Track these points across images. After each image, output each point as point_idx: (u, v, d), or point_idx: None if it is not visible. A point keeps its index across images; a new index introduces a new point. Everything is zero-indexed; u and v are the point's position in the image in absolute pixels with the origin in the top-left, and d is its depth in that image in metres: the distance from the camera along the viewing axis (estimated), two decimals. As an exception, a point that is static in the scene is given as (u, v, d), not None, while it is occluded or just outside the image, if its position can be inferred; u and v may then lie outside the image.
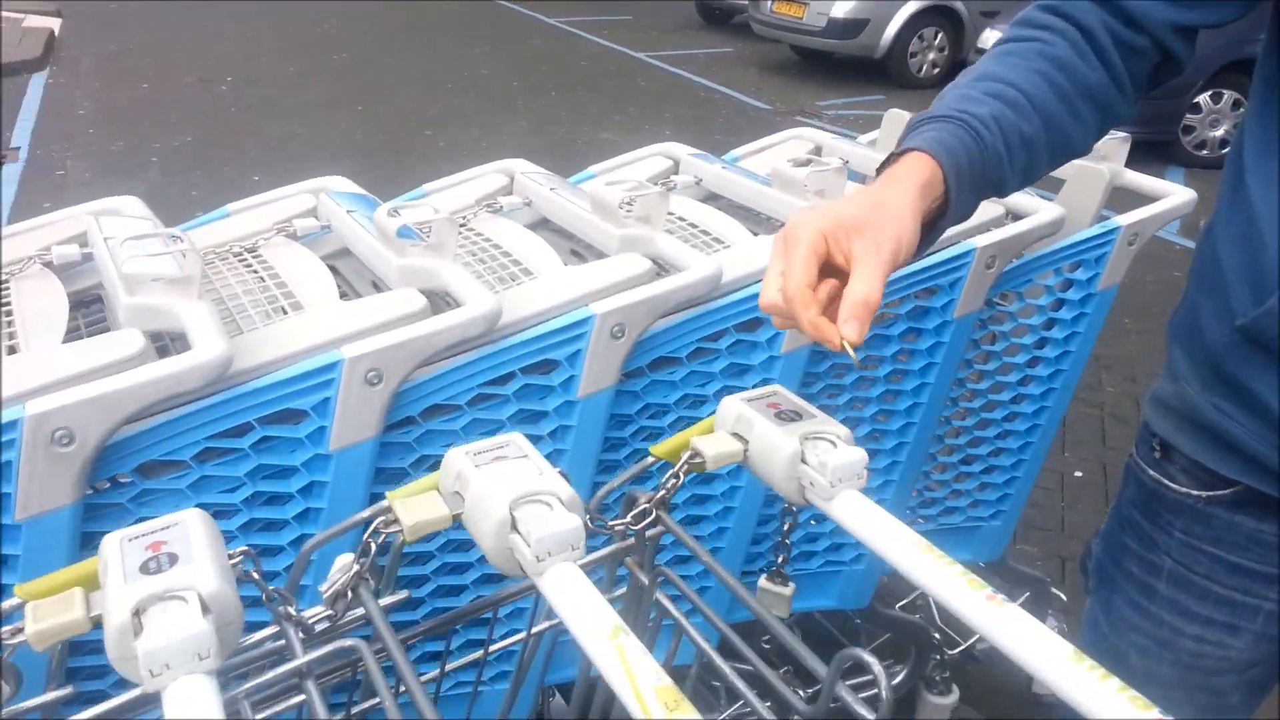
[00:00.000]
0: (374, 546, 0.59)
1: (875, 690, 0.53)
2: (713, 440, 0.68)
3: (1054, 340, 1.43)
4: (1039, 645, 0.52)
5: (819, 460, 0.66)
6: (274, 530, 1.00)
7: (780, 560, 0.73)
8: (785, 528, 0.73)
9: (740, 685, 0.66)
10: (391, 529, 0.59)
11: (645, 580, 0.68)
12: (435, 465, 1.13)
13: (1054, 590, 1.67)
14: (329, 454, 0.98)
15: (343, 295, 1.24)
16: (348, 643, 0.55)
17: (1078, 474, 2.60)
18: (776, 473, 0.67)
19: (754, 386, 1.25)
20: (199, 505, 0.94)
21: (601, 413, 1.09)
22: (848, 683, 0.56)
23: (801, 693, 0.61)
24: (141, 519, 0.91)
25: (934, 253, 1.24)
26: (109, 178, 5.04)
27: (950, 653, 1.58)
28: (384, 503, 0.62)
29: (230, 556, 0.56)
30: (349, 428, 0.97)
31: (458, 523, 0.61)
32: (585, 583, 0.56)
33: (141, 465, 0.90)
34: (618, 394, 1.10)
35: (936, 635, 1.56)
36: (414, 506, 0.60)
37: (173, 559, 0.53)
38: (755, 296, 1.14)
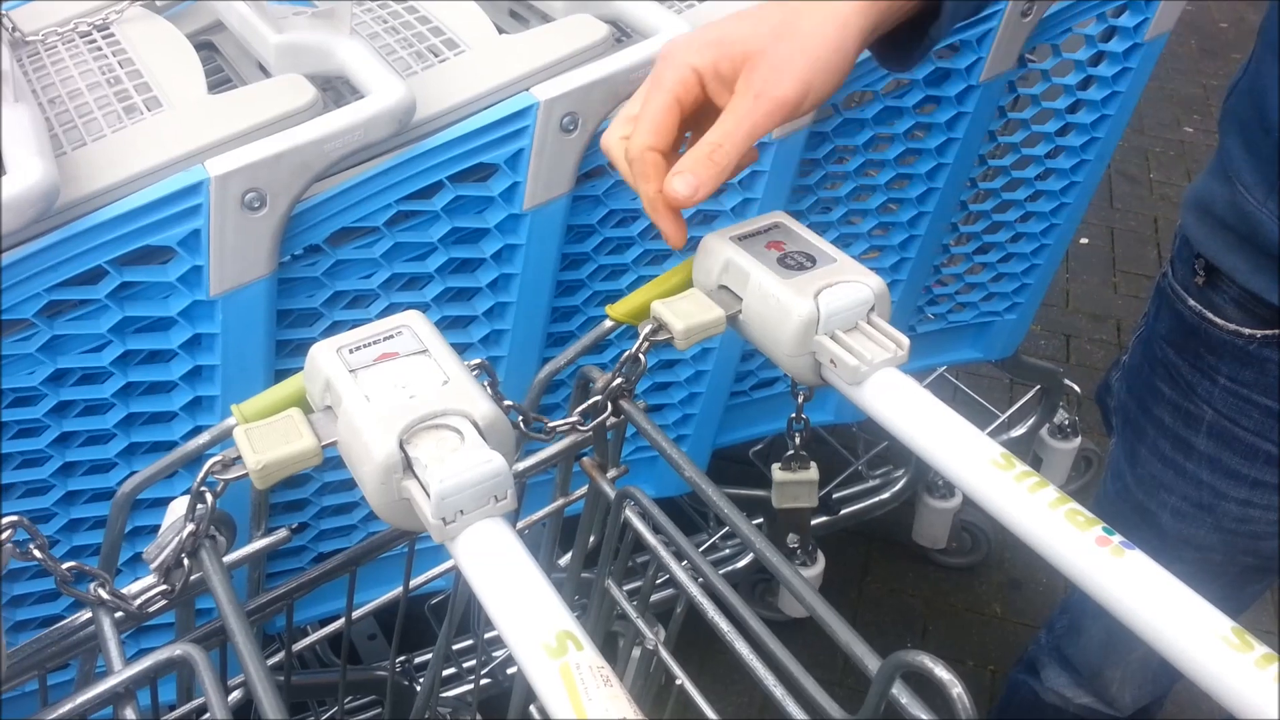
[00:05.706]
0: (211, 497, 0.41)
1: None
2: (683, 306, 0.49)
3: (1090, 102, 1.21)
4: (1185, 623, 0.36)
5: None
6: (161, 420, 0.83)
7: (797, 441, 0.56)
8: (799, 400, 0.55)
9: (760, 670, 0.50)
10: (233, 472, 0.40)
11: (609, 491, 0.51)
12: (356, 301, 0.94)
13: (1066, 382, 1.53)
14: (212, 299, 0.78)
15: (223, 83, 1.00)
16: (177, 652, 0.38)
17: (1083, 240, 2.40)
18: (782, 347, 0.48)
19: (740, 182, 1.04)
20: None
21: (556, 227, 0.88)
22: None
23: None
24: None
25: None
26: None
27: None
28: (228, 423, 0.43)
29: (-9, 531, 0.38)
30: (231, 265, 0.77)
31: (334, 449, 0.43)
32: (516, 552, 0.38)
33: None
34: (574, 201, 0.89)
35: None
36: (267, 435, 0.41)
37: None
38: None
